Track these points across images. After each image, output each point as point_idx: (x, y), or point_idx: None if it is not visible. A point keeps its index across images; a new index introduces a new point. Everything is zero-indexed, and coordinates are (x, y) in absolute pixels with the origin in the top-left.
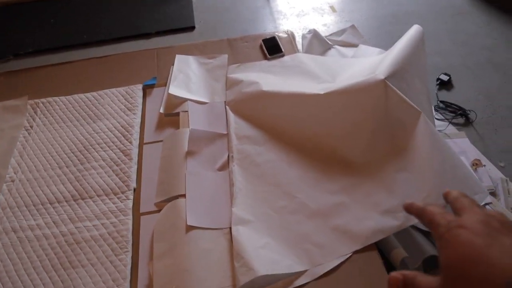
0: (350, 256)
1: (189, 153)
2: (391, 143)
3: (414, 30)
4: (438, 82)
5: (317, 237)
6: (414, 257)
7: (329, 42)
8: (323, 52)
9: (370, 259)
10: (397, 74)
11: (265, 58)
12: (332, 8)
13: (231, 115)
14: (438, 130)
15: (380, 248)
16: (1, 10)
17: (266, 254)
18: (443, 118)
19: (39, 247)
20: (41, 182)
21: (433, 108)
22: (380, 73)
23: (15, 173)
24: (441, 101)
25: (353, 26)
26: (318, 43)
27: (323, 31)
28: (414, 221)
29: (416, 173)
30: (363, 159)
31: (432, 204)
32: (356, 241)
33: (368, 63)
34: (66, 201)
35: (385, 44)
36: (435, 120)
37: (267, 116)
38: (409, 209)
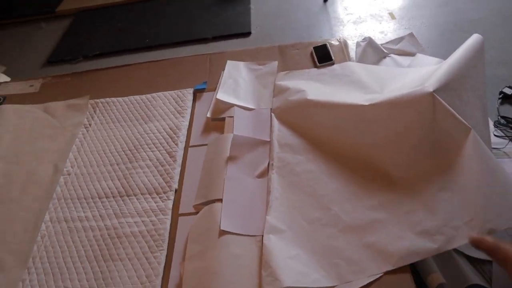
0: (380, 276)
1: (230, 158)
2: (435, 160)
3: (473, 39)
4: (500, 96)
5: (349, 252)
6: (455, 284)
7: (385, 51)
8: (377, 61)
9: (402, 282)
10: (449, 87)
11: (315, 66)
12: (391, 14)
13: (276, 123)
14: (496, 148)
15: (418, 270)
16: (76, 16)
17: (294, 266)
18: (503, 135)
19: (85, 238)
20: (93, 177)
21: (491, 124)
22: (429, 85)
23: (71, 167)
24: (502, 117)
25: (411, 34)
26: (372, 52)
27: (380, 39)
28: (453, 245)
29: (461, 194)
30: (405, 174)
31: (504, 240)
32: (389, 261)
33: (420, 74)
34: (113, 197)
35: (445, 53)
36: (494, 137)
37: (310, 125)
38: (479, 244)
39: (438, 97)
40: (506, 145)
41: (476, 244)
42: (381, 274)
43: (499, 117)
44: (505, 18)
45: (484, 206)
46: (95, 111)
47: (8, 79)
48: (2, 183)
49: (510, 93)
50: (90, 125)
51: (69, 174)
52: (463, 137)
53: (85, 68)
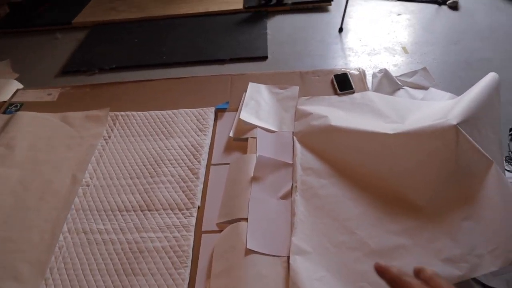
0: None
1: (254, 179)
2: (458, 190)
3: (490, 77)
4: (510, 133)
5: (375, 277)
6: None
7: (399, 83)
8: (392, 92)
9: None
10: (470, 121)
11: (335, 93)
12: (404, 49)
13: (298, 146)
14: None
15: None
16: (91, 29)
17: (321, 287)
18: None
19: (105, 251)
20: (113, 189)
21: (504, 159)
22: (453, 118)
23: (90, 178)
24: None
25: (424, 69)
26: (388, 83)
27: (394, 71)
28: (477, 273)
29: (484, 224)
30: (428, 203)
31: (408, 275)
32: None
33: (439, 107)
34: (134, 211)
35: (456, 89)
36: (506, 172)
37: (334, 150)
38: (383, 273)
39: (461, 129)
40: None
41: (380, 272)
42: None
43: (510, 153)
44: None
45: (507, 236)
46: (114, 124)
47: (20, 86)
48: (18, 191)
49: None
50: (109, 137)
51: (88, 186)
52: (485, 169)
53: (100, 80)
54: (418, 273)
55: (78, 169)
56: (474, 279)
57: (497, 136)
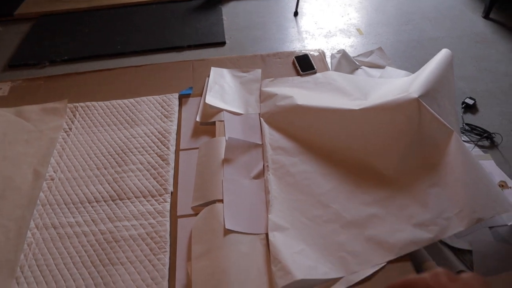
0: (384, 266)
1: (226, 161)
2: (423, 159)
3: (443, 53)
4: (463, 106)
5: (352, 246)
6: None
7: (357, 63)
8: (351, 72)
9: (404, 269)
10: (429, 94)
11: (298, 74)
12: (359, 30)
13: (266, 127)
14: None
15: (412, 260)
16: (37, 20)
17: (302, 260)
18: (469, 140)
19: (78, 244)
20: (79, 181)
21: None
22: (414, 92)
23: (54, 172)
24: (466, 124)
25: (380, 49)
26: (346, 63)
27: (351, 52)
28: (447, 234)
29: (449, 189)
30: (396, 173)
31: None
32: (390, 252)
33: (399, 83)
34: (105, 201)
35: (410, 67)
36: None
37: (302, 129)
38: None
39: (422, 102)
40: (472, 149)
41: None
42: (384, 264)
43: (464, 124)
44: (460, 38)
45: (471, 199)
46: (74, 115)
47: None
48: None
49: (471, 103)
50: (70, 129)
51: (52, 179)
52: (447, 138)
53: (53, 73)
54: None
55: (39, 164)
56: (442, 242)
57: (454, 107)
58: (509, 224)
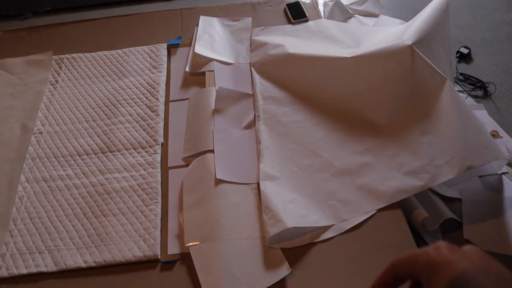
0: (374, 214)
1: (216, 111)
2: (416, 107)
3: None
4: (457, 55)
5: (343, 194)
6: (434, 219)
7: (350, 11)
8: (344, 20)
9: (394, 217)
10: (423, 41)
11: (289, 22)
12: None
13: (257, 76)
14: None
15: (402, 207)
16: None
17: (293, 208)
18: (462, 90)
19: (70, 196)
20: (68, 135)
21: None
22: (407, 39)
23: (42, 125)
24: (460, 74)
25: None
26: (339, 11)
27: (344, 0)
28: (437, 182)
29: (441, 136)
30: (388, 121)
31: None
32: (381, 200)
33: (393, 31)
34: (95, 153)
35: (405, 15)
36: None
37: (293, 78)
38: (399, 265)
39: (416, 49)
40: (465, 99)
41: (396, 267)
42: (374, 211)
43: (458, 74)
44: None
45: (462, 147)
46: (60, 68)
47: None
48: None
49: (466, 52)
50: (57, 81)
51: (41, 133)
52: (440, 86)
53: (35, 24)
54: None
55: (27, 118)
56: (432, 191)
57: (448, 55)
58: (498, 172)
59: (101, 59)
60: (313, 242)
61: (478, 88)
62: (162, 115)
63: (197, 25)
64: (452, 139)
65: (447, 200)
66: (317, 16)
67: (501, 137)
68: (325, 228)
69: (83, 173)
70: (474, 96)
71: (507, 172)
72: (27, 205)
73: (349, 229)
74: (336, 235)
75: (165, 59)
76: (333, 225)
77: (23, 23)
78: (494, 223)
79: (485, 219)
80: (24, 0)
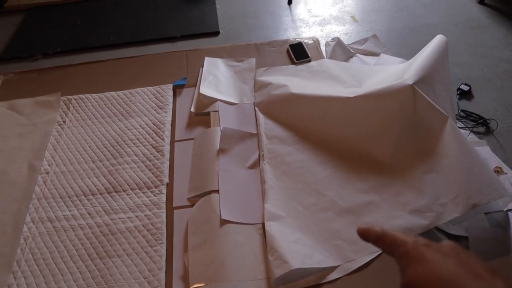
0: (381, 253)
1: (221, 151)
2: (418, 146)
3: (438, 39)
4: (458, 92)
5: (348, 233)
6: None
7: (352, 50)
8: (345, 60)
9: None
10: (424, 80)
11: (292, 62)
12: (353, 18)
13: (261, 116)
14: None
15: None
16: (28, 12)
17: (298, 249)
18: (464, 126)
19: (75, 237)
20: (75, 175)
21: (454, 116)
22: (409, 79)
23: (49, 165)
24: (462, 110)
25: (374, 36)
26: (341, 51)
27: (345, 40)
28: (442, 221)
29: (444, 174)
30: (392, 160)
31: (392, 231)
32: None
33: (394, 70)
34: (100, 194)
35: (405, 54)
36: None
37: (297, 117)
38: (367, 234)
39: (417, 88)
40: (468, 135)
41: (364, 234)
42: (380, 251)
43: (460, 111)
44: (455, 24)
45: (466, 184)
46: (68, 108)
47: None
48: None
49: (466, 89)
50: (64, 122)
51: (47, 173)
52: (442, 124)
53: (45, 65)
54: (366, 235)
55: (34, 157)
56: (438, 229)
57: (449, 93)
58: (504, 210)
59: (108, 100)
60: (319, 283)
61: (480, 125)
62: (167, 155)
63: (202, 66)
64: (456, 177)
65: (453, 238)
66: (319, 56)
67: (505, 173)
68: (331, 269)
69: (88, 213)
70: (476, 133)
71: None
72: (32, 246)
73: (356, 269)
74: (342, 276)
75: (170, 99)
76: (339, 265)
77: (33, 64)
78: (502, 260)
79: (493, 257)
80: (34, 42)
